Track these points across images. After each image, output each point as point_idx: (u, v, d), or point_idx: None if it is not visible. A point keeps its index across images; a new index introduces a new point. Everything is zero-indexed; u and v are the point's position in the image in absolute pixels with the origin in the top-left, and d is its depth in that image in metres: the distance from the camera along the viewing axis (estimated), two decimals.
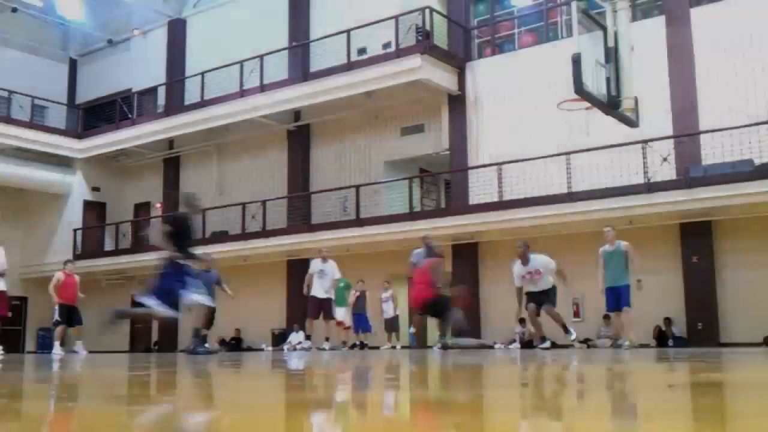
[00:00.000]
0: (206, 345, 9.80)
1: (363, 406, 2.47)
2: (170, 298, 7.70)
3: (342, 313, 15.23)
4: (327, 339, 13.90)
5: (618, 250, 10.99)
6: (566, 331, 11.09)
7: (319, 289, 13.50)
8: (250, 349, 21.07)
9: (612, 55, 9.84)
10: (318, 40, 20.56)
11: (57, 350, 13.94)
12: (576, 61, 9.18)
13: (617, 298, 10.89)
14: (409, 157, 19.94)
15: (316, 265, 13.76)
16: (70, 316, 13.70)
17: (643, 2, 17.39)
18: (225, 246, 21.12)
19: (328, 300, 13.66)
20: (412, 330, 13.79)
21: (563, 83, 15.59)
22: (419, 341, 12.96)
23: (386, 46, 18.92)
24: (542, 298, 10.95)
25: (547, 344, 11.05)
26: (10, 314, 13.95)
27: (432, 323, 11.53)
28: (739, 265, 15.11)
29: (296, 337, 17.74)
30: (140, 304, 7.88)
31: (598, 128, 16.03)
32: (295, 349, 15.53)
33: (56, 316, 13.72)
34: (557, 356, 7.57)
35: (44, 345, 25.64)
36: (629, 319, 11.02)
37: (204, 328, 10.06)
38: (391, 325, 16.81)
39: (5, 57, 25.63)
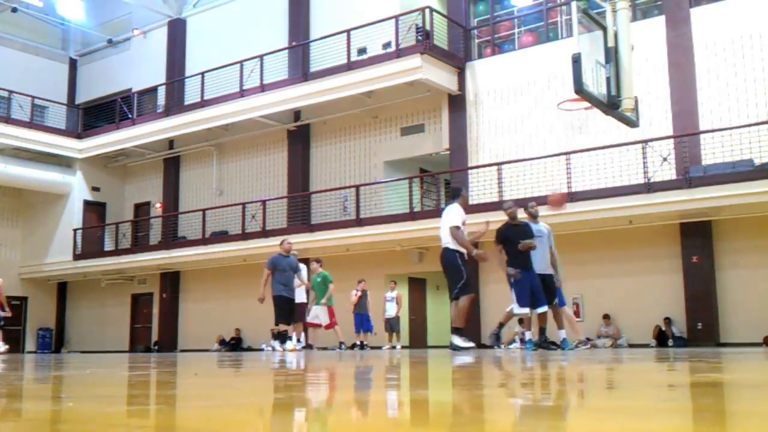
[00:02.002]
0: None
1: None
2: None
3: (323, 313, 14.67)
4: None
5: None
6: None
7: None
8: (250, 348, 21.09)
9: (612, 55, 9.82)
10: (318, 40, 20.55)
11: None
12: (576, 60, 9.16)
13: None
14: (409, 157, 19.95)
15: None
16: None
17: (643, 2, 17.39)
18: (225, 246, 21.18)
19: (301, 303, 13.85)
20: None
21: (563, 83, 15.73)
22: None
23: (386, 46, 18.92)
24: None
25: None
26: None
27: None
28: (739, 265, 15.11)
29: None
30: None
31: (597, 128, 16.09)
32: (294, 349, 15.56)
33: None
34: (555, 358, 7.56)
35: (44, 345, 25.72)
36: (570, 315, 10.43)
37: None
38: (391, 325, 16.89)
39: (5, 57, 25.66)
